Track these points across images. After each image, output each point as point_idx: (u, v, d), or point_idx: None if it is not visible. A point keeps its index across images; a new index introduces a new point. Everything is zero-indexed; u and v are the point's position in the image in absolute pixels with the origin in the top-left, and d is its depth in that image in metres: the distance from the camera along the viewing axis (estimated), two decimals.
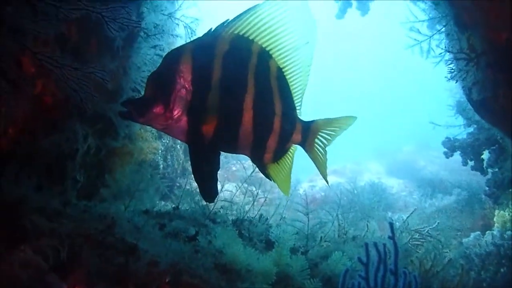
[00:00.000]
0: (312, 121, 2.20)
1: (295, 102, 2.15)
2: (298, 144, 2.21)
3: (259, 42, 1.99)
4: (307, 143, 2.19)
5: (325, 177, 2.25)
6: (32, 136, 2.40)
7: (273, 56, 2.03)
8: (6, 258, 1.73)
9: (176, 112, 1.91)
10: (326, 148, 2.22)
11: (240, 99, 1.97)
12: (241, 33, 1.96)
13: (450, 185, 7.65)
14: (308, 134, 2.18)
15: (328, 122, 2.21)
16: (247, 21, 1.95)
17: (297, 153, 2.28)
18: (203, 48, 1.95)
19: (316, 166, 2.24)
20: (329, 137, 2.21)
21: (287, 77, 2.09)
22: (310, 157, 2.23)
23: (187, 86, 1.90)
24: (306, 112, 2.24)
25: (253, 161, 2.19)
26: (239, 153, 2.23)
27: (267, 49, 2.01)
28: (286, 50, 2.04)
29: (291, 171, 2.23)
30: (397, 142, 15.03)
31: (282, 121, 2.08)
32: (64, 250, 1.82)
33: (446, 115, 5.04)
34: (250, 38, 1.97)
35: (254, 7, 1.94)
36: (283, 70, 2.07)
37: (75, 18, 1.84)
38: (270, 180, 2.20)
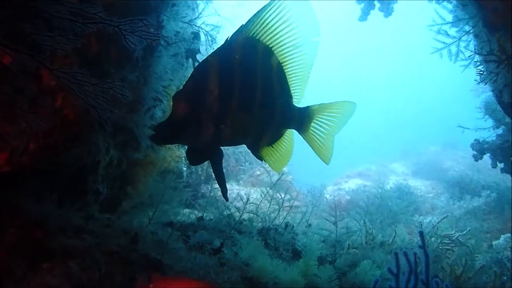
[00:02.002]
0: (307, 107, 2.30)
1: (295, 92, 2.27)
2: (294, 129, 2.33)
3: (264, 41, 2.14)
4: (302, 128, 2.31)
5: (325, 161, 2.32)
6: (54, 150, 2.38)
7: (275, 52, 2.17)
8: (31, 280, 1.71)
9: (206, 127, 2.04)
10: (332, 134, 2.32)
11: (253, 99, 2.13)
12: (250, 35, 2.11)
13: (478, 186, 7.51)
14: (303, 120, 2.29)
15: (323, 107, 2.31)
16: (254, 24, 2.10)
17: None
18: (225, 61, 2.09)
19: (314, 150, 2.32)
20: (329, 122, 2.31)
21: (287, 70, 2.21)
22: (306, 141, 2.32)
23: (215, 101, 2.03)
24: None
25: (249, 147, 2.30)
26: (239, 145, 2.40)
27: (270, 46, 2.15)
28: (286, 47, 2.17)
29: (290, 153, 2.33)
30: (422, 142, 14.81)
31: (279, 110, 2.22)
32: (90, 270, 1.79)
33: (473, 116, 4.96)
34: (257, 38, 2.12)
35: (263, 8, 2.09)
36: (283, 64, 2.20)
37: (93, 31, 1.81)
38: (261, 161, 2.31)
